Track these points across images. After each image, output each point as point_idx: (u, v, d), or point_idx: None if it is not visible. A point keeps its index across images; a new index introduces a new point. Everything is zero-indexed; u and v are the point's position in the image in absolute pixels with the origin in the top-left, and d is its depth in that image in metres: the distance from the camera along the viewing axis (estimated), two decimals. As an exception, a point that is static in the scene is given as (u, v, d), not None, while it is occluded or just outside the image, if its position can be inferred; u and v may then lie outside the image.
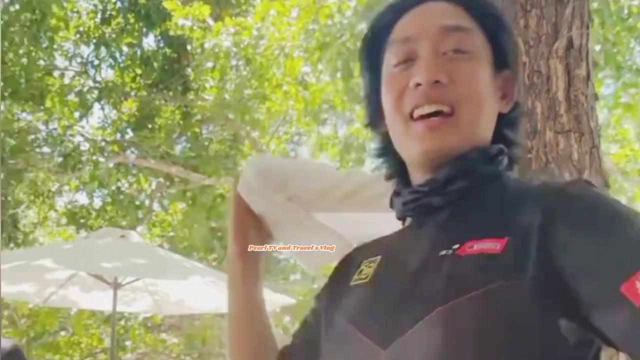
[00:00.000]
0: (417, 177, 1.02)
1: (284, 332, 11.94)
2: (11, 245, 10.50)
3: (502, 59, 1.04)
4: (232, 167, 9.85)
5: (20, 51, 9.02)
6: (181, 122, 9.96)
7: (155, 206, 11.45)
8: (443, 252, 0.92)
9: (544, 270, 0.84)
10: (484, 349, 0.83)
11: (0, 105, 9.22)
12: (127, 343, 11.68)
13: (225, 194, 10.38)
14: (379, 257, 1.04)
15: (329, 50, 7.58)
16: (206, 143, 10.14)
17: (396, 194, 1.06)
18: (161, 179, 10.33)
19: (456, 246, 0.91)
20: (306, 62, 8.58)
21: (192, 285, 5.80)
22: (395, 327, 0.90)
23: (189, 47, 8.86)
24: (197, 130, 10.22)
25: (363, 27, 7.49)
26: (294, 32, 8.32)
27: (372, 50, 1.08)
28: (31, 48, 9.06)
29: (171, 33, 8.67)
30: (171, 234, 11.54)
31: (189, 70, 9.46)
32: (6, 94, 9.03)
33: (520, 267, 0.85)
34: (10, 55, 8.93)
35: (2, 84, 8.90)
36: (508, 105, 1.05)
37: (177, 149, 10.02)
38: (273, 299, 6.51)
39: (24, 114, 9.72)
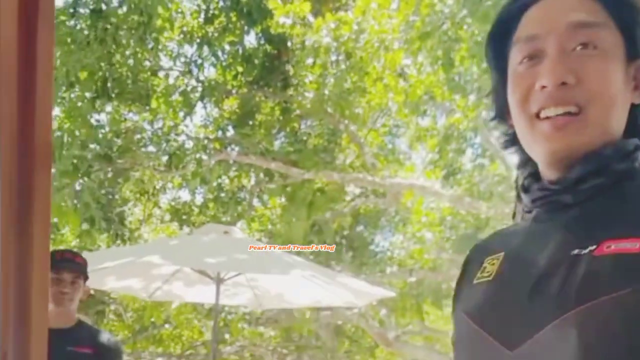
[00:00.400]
0: (547, 172, 0.99)
1: (379, 325, 11.92)
2: (118, 241, 10.94)
3: (635, 49, 0.98)
4: (330, 160, 9.91)
5: (127, 52, 9.34)
6: (280, 118, 10.09)
7: (255, 201, 11.66)
8: (575, 252, 0.88)
9: None
10: (622, 352, 0.80)
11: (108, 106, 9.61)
12: (226, 336, 11.96)
13: (323, 187, 10.46)
14: (502, 254, 1.01)
15: (430, 39, 7.50)
16: (305, 138, 10.24)
17: (525, 189, 1.03)
18: (261, 175, 10.50)
19: (593, 247, 0.87)
20: (406, 55, 8.52)
21: (292, 279, 5.87)
22: (524, 328, 0.87)
23: (289, 44, 8.96)
24: (296, 125, 10.33)
25: (464, 14, 7.36)
26: (394, 25, 8.27)
27: (498, 44, 1.05)
28: (137, 49, 9.37)
29: (272, 31, 8.79)
30: (270, 227, 11.74)
31: (289, 66, 9.56)
32: (113, 95, 9.37)
33: None
34: (117, 57, 9.27)
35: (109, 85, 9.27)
36: None
37: (276, 144, 10.16)
38: (371, 292, 6.51)
39: (131, 114, 10.08)
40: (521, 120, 0.98)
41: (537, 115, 0.96)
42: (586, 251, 0.87)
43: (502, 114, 1.07)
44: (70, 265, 3.50)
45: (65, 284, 3.46)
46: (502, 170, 10.82)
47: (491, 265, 1.01)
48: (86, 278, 3.59)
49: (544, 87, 0.95)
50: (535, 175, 1.02)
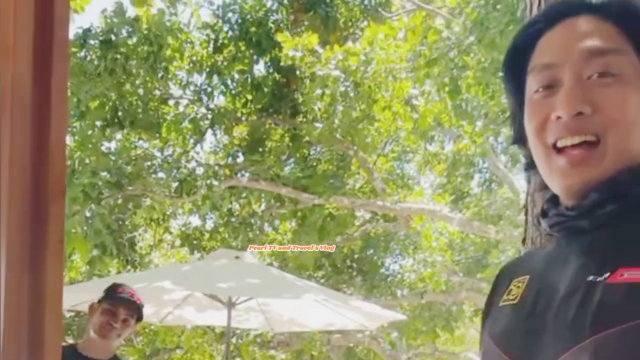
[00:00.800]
0: (565, 199, 0.98)
1: (391, 347, 11.85)
2: (129, 267, 10.95)
3: None
4: (340, 186, 9.92)
5: (137, 82, 9.43)
6: (290, 145, 10.13)
7: (266, 226, 11.67)
8: (591, 278, 0.88)
9: None
10: None
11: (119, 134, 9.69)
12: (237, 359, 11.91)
13: (334, 212, 10.46)
14: (527, 277, 1.01)
15: (437, 66, 7.54)
16: (314, 164, 10.27)
17: (543, 213, 1.02)
18: (272, 200, 10.53)
19: (607, 274, 0.87)
20: (414, 83, 8.57)
21: (304, 303, 5.87)
22: (543, 354, 0.88)
23: (297, 72, 9.03)
24: (305, 151, 10.37)
25: (471, 41, 7.40)
26: (401, 54, 8.33)
27: (513, 71, 1.04)
28: (147, 79, 9.46)
29: (282, 63, 8.87)
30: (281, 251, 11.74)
31: (298, 94, 9.62)
32: (125, 123, 9.45)
33: None
34: (128, 86, 9.36)
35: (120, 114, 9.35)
36: None
37: (286, 170, 10.19)
38: (381, 314, 6.50)
39: (141, 142, 10.15)
40: (538, 150, 0.98)
41: (554, 146, 0.95)
42: (601, 278, 0.86)
43: (521, 138, 1.04)
44: (128, 302, 3.46)
45: (117, 318, 3.41)
46: (510, 195, 10.81)
47: (517, 288, 1.01)
48: (139, 319, 3.56)
49: (559, 117, 0.93)
50: (554, 199, 1.01)
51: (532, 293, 0.97)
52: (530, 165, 1.03)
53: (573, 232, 0.96)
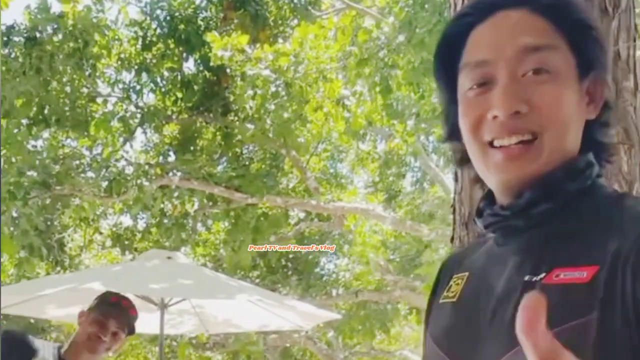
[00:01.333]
0: (500, 197, 0.97)
1: (327, 346, 11.93)
2: (58, 268, 10.68)
3: (587, 64, 0.94)
4: (273, 185, 9.92)
5: (64, 79, 9.21)
6: (222, 143, 10.06)
7: (199, 226, 11.57)
8: (527, 278, 0.87)
9: (634, 308, 0.78)
10: None
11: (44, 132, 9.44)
12: (173, 361, 11.79)
13: (267, 211, 10.45)
14: (467, 274, 1.00)
15: (367, 66, 7.61)
16: (247, 162, 10.23)
17: (479, 213, 1.00)
18: (204, 200, 10.45)
19: (542, 275, 0.85)
20: (345, 83, 8.63)
21: (239, 303, 5.84)
22: (483, 358, 0.87)
23: (228, 70, 8.98)
24: (238, 150, 10.32)
25: (400, 41, 7.51)
26: (332, 54, 8.37)
27: (444, 66, 1.00)
28: (74, 76, 9.25)
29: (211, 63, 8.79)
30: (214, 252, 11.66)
31: (229, 92, 9.57)
32: (51, 121, 9.21)
33: (608, 300, 0.79)
34: (54, 83, 9.13)
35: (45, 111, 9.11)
36: (596, 110, 0.97)
37: (219, 169, 10.12)
38: (317, 314, 6.53)
39: (69, 140, 9.92)
40: (473, 147, 0.95)
41: (491, 144, 0.93)
42: (537, 278, 0.85)
43: (454, 134, 1.01)
44: (120, 313, 3.17)
45: (107, 331, 3.10)
46: (441, 194, 11.02)
47: (456, 285, 1.00)
48: (131, 332, 3.25)
49: (495, 116, 0.91)
50: (489, 197, 0.99)
51: (470, 291, 0.96)
52: (464, 160, 1.01)
53: (509, 231, 0.95)
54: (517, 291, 0.87)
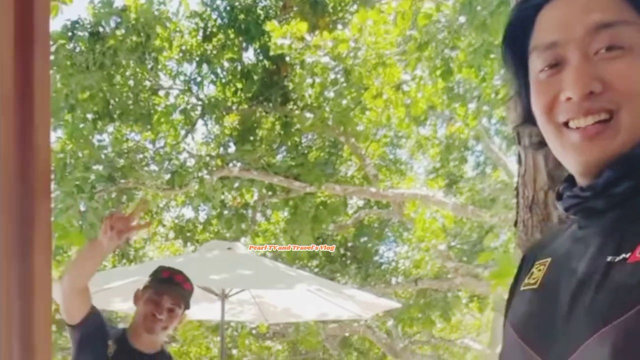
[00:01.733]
0: (580, 179, 0.95)
1: (387, 335, 11.90)
2: (124, 261, 10.94)
3: None
4: (332, 173, 9.91)
5: (127, 73, 9.38)
6: (281, 133, 10.10)
7: (258, 216, 11.66)
8: (609, 259, 0.85)
9: None
10: None
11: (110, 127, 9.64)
12: (234, 351, 11.94)
13: (326, 200, 10.45)
14: (549, 260, 0.98)
15: (428, 49, 7.49)
16: (306, 151, 10.24)
17: (558, 196, 0.99)
18: (263, 190, 10.52)
19: (627, 254, 0.83)
20: (405, 68, 8.53)
21: (298, 293, 5.87)
22: (564, 344, 0.85)
23: (287, 59, 8.98)
24: (297, 139, 10.34)
25: (461, 22, 7.37)
26: (391, 39, 8.28)
27: (513, 49, 0.99)
28: (137, 70, 9.40)
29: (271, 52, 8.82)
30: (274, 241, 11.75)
31: (288, 81, 9.59)
32: (115, 115, 9.40)
33: None
34: (118, 78, 9.31)
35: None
36: None
37: (278, 158, 10.17)
38: (377, 303, 6.51)
39: (133, 134, 10.10)
40: (548, 129, 0.94)
41: (566, 124, 0.92)
42: (620, 258, 0.84)
43: (529, 117, 1.00)
44: (174, 289, 3.07)
45: (162, 309, 3.01)
46: (504, 177, 10.81)
47: (538, 272, 0.98)
48: (187, 307, 3.14)
49: (569, 98, 0.90)
50: (569, 180, 0.98)
51: (552, 277, 0.95)
52: (541, 144, 0.99)
53: (590, 213, 0.93)
54: (598, 273, 0.85)
